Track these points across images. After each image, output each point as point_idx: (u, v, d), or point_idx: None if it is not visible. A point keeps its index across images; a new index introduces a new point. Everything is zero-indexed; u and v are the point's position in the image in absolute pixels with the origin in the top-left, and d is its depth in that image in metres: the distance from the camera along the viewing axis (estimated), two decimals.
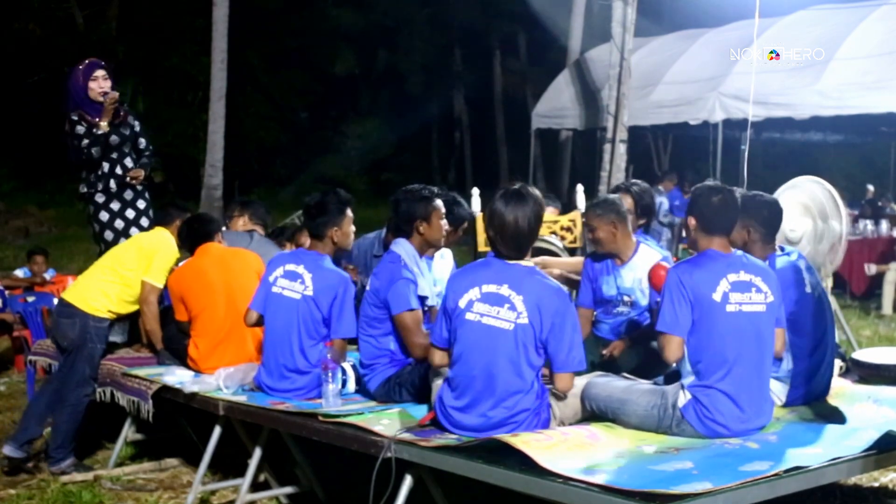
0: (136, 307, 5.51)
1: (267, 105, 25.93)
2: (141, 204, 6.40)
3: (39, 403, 5.50)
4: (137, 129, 6.50)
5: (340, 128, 27.84)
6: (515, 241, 3.75)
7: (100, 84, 6.29)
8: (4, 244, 16.96)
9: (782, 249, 4.44)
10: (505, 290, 3.69)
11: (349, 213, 4.67)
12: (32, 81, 23.08)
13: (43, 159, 22.74)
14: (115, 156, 6.29)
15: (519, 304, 3.66)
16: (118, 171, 6.29)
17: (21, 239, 17.47)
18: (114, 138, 6.28)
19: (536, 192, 3.83)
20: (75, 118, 6.26)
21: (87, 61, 6.43)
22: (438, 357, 3.91)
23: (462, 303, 3.75)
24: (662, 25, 18.33)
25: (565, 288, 3.95)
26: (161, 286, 5.44)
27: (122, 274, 5.43)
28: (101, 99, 6.26)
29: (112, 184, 6.28)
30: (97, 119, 6.24)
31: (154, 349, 5.52)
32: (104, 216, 6.28)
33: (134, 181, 6.31)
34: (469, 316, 3.73)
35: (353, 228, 4.73)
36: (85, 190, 6.33)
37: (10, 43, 22.52)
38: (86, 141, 6.20)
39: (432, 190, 4.68)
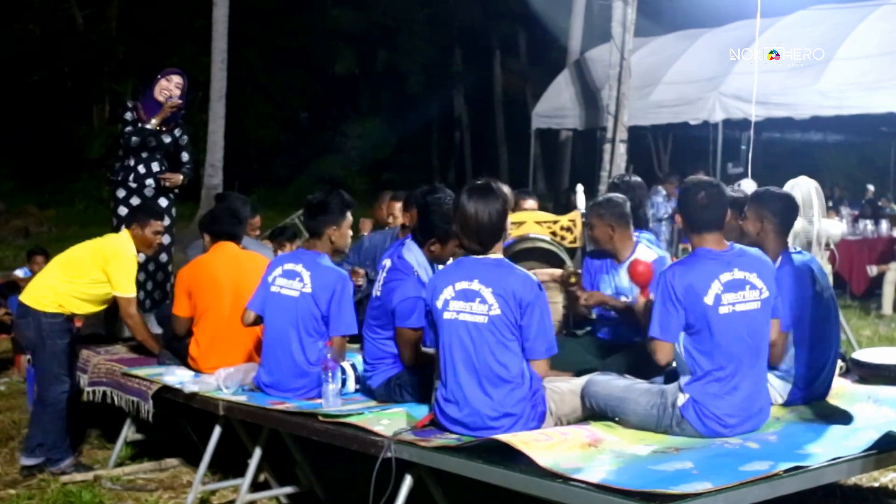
0: (92, 308, 5.49)
1: (267, 105, 25.96)
2: (163, 202, 6.44)
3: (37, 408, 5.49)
4: (183, 142, 6.60)
5: (340, 128, 27.86)
6: (476, 235, 3.78)
7: (170, 88, 6.48)
8: (4, 244, 16.97)
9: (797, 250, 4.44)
10: (475, 285, 3.73)
11: (349, 216, 4.69)
12: (32, 81, 23.11)
13: (43, 159, 22.77)
14: (145, 155, 6.40)
15: (489, 296, 3.70)
16: (141, 169, 6.39)
17: (21, 239, 17.48)
18: (150, 139, 6.39)
19: (504, 188, 3.85)
20: (130, 105, 6.49)
21: (172, 69, 6.70)
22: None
23: (439, 303, 3.79)
24: (662, 25, 18.34)
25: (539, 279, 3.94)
26: (133, 295, 5.39)
27: (74, 275, 5.35)
28: (160, 98, 6.44)
29: (131, 179, 6.37)
30: (149, 115, 6.42)
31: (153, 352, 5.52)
32: (122, 211, 6.33)
33: (168, 183, 6.43)
34: (447, 315, 3.77)
35: (350, 232, 4.75)
36: (110, 176, 6.55)
37: (10, 43, 22.53)
38: (129, 128, 6.39)
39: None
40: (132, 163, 6.40)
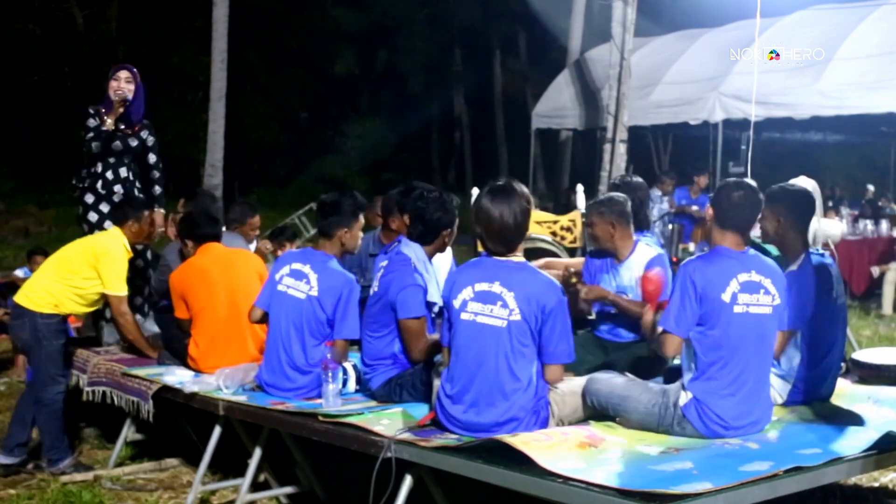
0: (86, 308, 5.51)
1: (267, 105, 25.96)
2: None
3: (22, 408, 5.47)
4: (150, 144, 6.46)
5: (340, 128, 27.85)
6: (502, 237, 3.75)
7: (120, 85, 6.32)
8: (4, 244, 16.98)
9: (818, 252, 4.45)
10: (497, 288, 3.70)
11: (361, 218, 4.69)
12: (32, 81, 23.11)
13: (43, 159, 22.76)
14: (112, 160, 6.28)
15: (511, 300, 3.67)
16: (109, 175, 6.27)
17: (21, 239, 17.49)
18: (117, 144, 6.27)
19: (524, 188, 3.83)
20: (91, 111, 6.33)
21: (119, 65, 6.55)
22: (447, 357, 3.90)
23: (457, 303, 3.76)
24: (662, 25, 18.34)
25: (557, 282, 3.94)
26: (124, 293, 5.40)
27: (66, 274, 5.35)
28: (114, 98, 6.30)
29: (99, 185, 6.27)
30: (107, 117, 6.28)
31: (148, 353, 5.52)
32: (93, 217, 6.25)
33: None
34: (464, 316, 3.74)
35: (361, 234, 4.76)
36: (75, 183, 6.35)
37: (10, 43, 22.54)
38: (91, 134, 6.25)
39: (451, 197, 4.60)
40: (99, 169, 6.26)
